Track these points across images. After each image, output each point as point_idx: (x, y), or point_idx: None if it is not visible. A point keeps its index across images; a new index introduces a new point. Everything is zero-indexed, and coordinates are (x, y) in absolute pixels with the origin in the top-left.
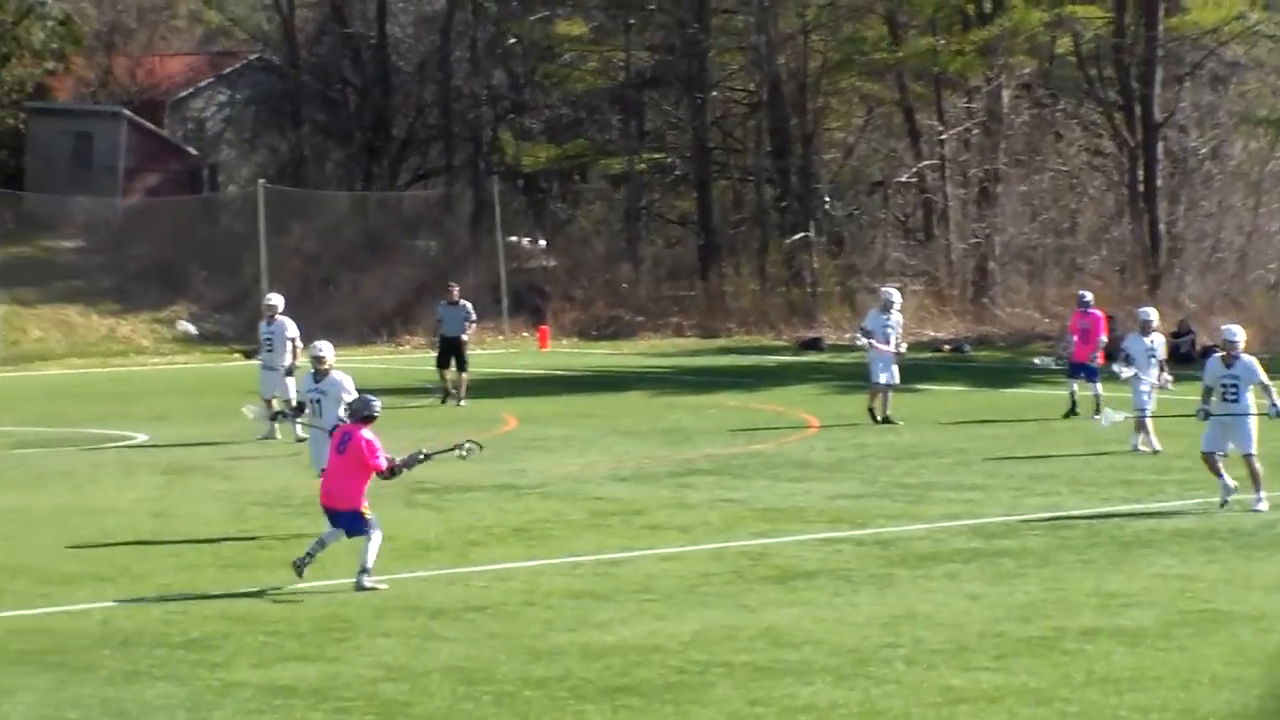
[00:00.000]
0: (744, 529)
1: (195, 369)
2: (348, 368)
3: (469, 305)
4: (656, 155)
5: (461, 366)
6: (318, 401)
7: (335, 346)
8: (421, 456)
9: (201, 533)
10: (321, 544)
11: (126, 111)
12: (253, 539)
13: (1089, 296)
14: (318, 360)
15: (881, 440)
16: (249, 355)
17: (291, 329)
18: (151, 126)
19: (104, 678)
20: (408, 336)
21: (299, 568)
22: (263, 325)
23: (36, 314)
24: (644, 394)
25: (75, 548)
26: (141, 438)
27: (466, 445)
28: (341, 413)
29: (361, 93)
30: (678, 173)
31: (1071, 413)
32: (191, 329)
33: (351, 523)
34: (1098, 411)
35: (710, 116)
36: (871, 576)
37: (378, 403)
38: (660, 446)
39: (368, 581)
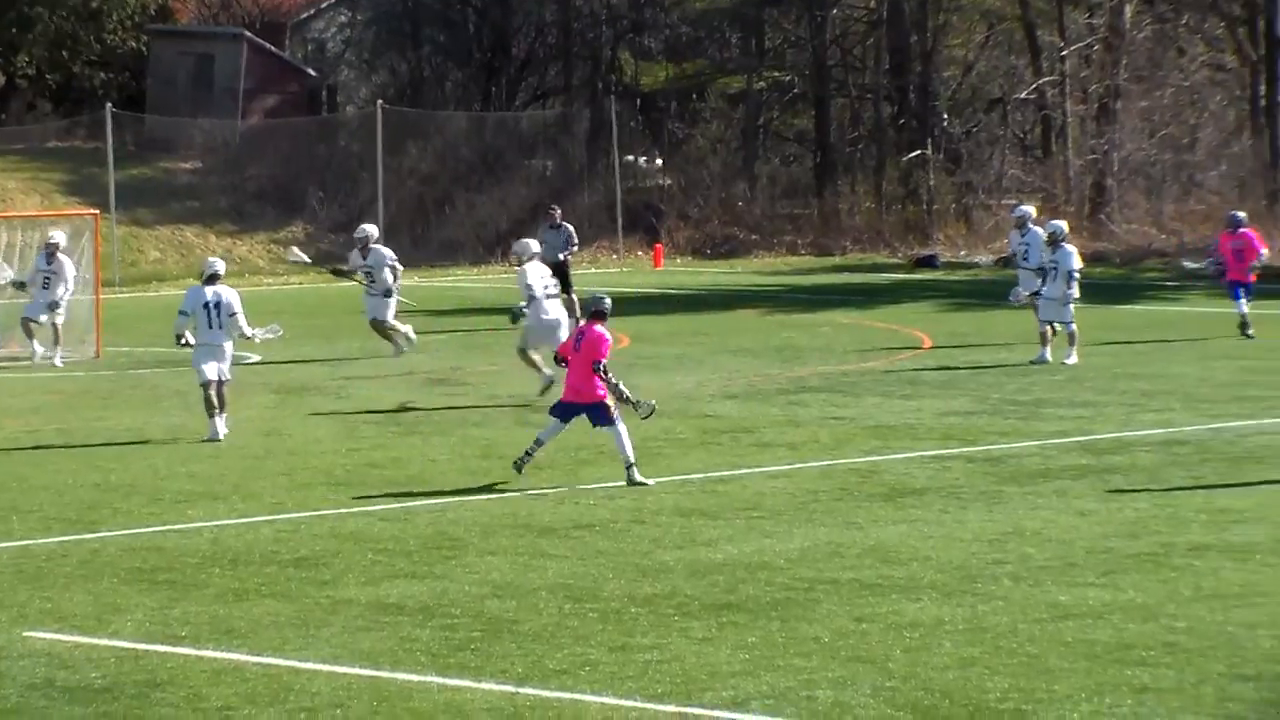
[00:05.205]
0: (854, 446)
1: (310, 289)
2: (463, 287)
3: (571, 229)
4: (775, 74)
5: (567, 288)
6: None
7: (451, 266)
8: (623, 391)
9: (313, 451)
10: (540, 443)
11: (247, 34)
12: (363, 458)
13: (1241, 216)
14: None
15: (994, 357)
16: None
17: (390, 255)
18: (272, 48)
19: (213, 595)
20: None
21: (519, 466)
22: (356, 256)
23: (154, 235)
24: (757, 312)
25: (187, 466)
26: (254, 358)
27: (648, 406)
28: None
29: (481, 12)
30: (796, 91)
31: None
32: (305, 258)
33: (598, 414)
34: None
35: (830, 34)
36: (981, 494)
37: (608, 300)
38: (772, 364)
39: (637, 475)
